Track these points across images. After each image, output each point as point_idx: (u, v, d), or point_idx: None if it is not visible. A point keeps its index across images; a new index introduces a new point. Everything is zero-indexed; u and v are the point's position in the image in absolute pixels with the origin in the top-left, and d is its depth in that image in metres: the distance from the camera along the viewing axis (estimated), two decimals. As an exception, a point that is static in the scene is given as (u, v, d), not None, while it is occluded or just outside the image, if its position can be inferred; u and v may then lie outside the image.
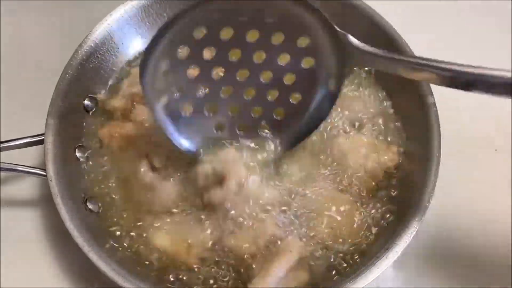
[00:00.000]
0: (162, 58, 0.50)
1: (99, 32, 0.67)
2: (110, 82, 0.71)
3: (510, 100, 0.75)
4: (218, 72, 0.55)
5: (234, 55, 0.53)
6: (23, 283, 0.64)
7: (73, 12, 0.88)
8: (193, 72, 0.53)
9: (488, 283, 0.64)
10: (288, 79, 0.56)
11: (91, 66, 0.67)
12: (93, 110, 0.68)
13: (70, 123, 0.64)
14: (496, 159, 0.74)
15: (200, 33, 0.50)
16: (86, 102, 0.67)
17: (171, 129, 0.56)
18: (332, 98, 0.57)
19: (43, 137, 0.61)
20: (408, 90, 0.66)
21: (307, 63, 0.55)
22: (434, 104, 0.63)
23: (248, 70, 0.55)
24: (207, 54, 0.53)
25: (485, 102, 0.77)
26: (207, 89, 0.55)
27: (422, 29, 0.77)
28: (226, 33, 0.51)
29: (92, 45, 0.67)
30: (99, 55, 0.68)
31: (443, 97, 0.64)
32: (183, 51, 0.52)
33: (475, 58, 0.80)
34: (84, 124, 0.67)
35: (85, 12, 0.86)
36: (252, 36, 0.52)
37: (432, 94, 0.63)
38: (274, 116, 0.59)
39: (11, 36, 0.86)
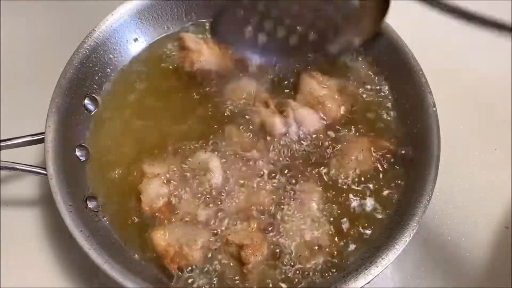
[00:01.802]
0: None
1: (100, 31, 0.68)
2: (110, 81, 0.71)
3: (510, 99, 0.76)
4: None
5: None
6: (23, 283, 0.64)
7: (73, 12, 0.89)
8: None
9: (487, 283, 0.64)
10: None
11: (91, 65, 0.67)
12: (93, 110, 0.68)
13: (70, 122, 0.64)
14: (496, 159, 0.74)
15: None
16: (86, 101, 0.67)
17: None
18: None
19: (43, 136, 0.61)
20: (408, 90, 0.66)
21: None
22: (434, 104, 0.63)
23: None
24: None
25: (485, 101, 0.77)
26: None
27: (421, 29, 0.77)
28: None
29: (93, 44, 0.67)
30: (99, 55, 0.69)
31: (443, 97, 0.64)
32: None
33: (475, 58, 0.81)
34: (85, 123, 0.67)
35: (85, 12, 0.87)
36: None
37: (431, 94, 0.63)
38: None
39: (11, 36, 0.86)
